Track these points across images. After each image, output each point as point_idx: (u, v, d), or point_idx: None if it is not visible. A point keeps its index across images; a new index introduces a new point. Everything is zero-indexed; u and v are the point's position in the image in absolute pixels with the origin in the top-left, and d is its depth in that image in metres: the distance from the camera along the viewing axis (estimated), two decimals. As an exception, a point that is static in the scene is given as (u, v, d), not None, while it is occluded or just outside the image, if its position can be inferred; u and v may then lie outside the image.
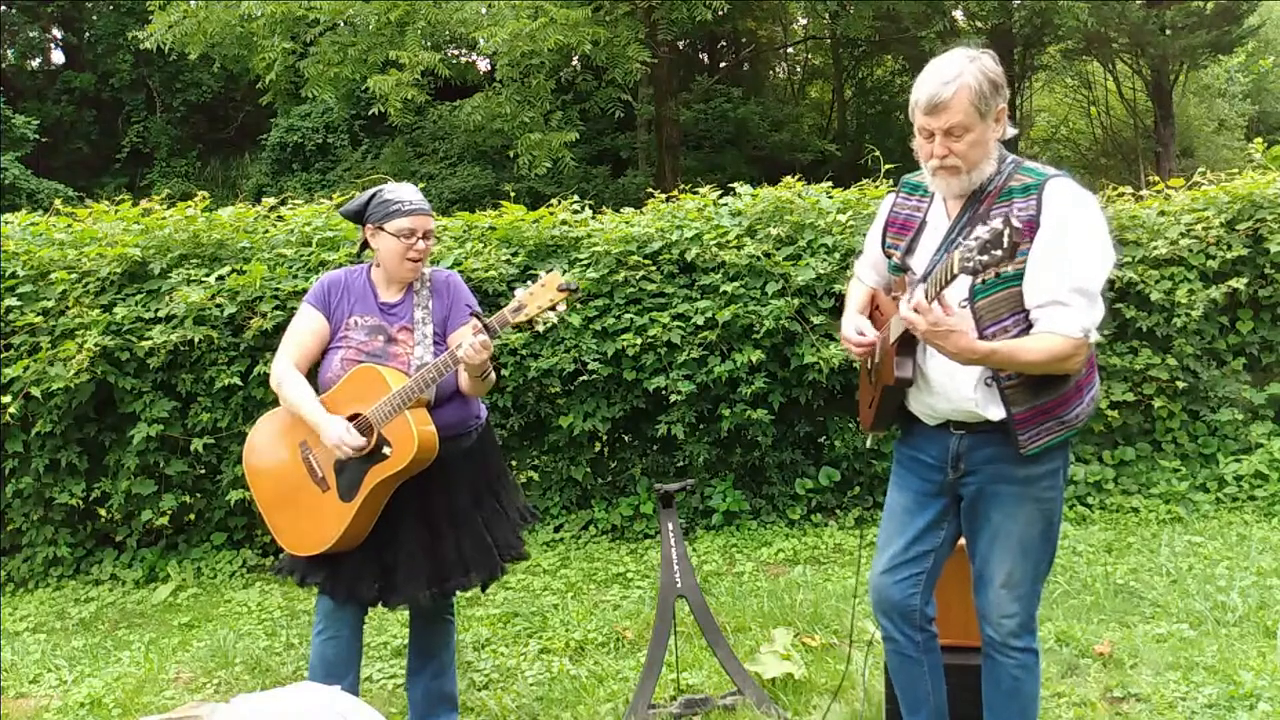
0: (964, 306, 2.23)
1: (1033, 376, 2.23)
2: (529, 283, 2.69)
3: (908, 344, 2.30)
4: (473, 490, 2.93)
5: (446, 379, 2.76)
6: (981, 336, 2.21)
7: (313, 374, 2.90)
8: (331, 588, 2.83)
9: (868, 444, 5.22)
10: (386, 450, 2.70)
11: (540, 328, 2.70)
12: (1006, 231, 1.92)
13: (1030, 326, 2.21)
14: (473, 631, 4.06)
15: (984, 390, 2.28)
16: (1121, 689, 3.23)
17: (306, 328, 2.88)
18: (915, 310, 2.12)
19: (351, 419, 2.73)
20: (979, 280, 2.17)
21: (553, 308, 2.62)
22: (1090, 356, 2.30)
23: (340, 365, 2.81)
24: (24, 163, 17.62)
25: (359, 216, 2.87)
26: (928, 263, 2.33)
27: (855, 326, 2.49)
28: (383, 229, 2.80)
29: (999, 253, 1.93)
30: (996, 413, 2.28)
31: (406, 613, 3.14)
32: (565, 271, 5.18)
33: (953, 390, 2.32)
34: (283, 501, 2.85)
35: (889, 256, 2.47)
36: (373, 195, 2.85)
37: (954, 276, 2.04)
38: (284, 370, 2.83)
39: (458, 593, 3.02)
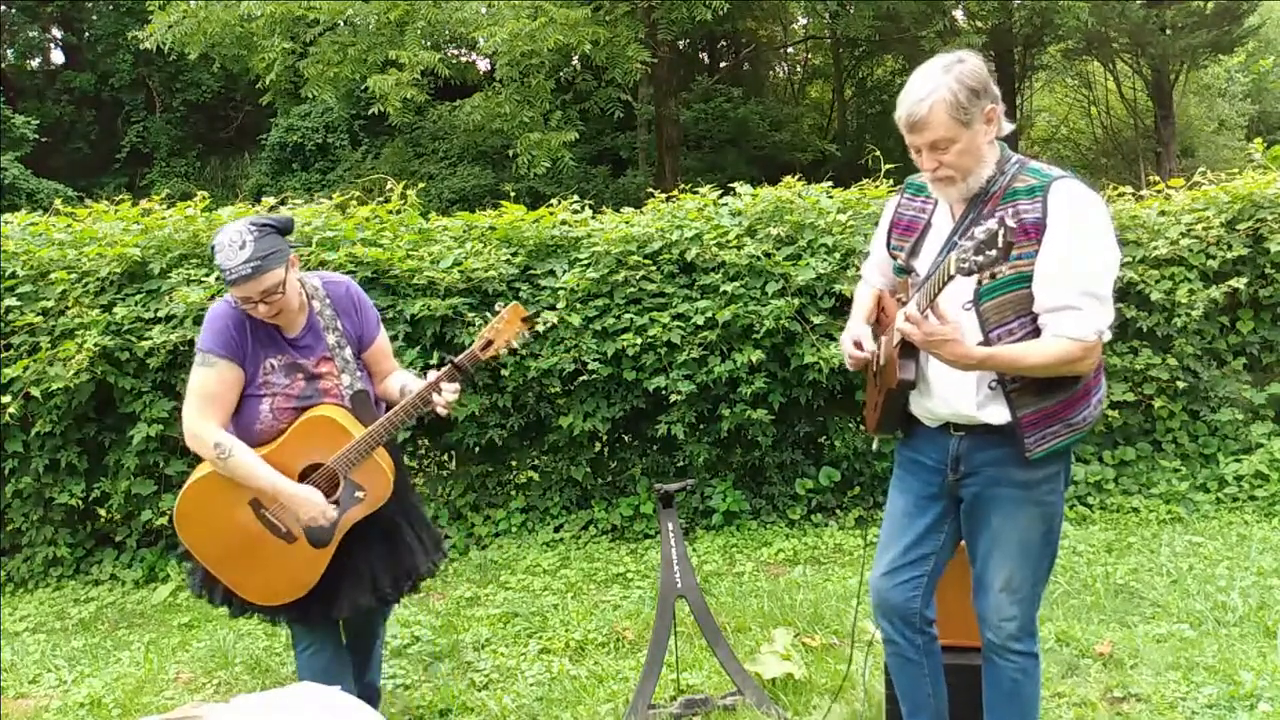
0: (968, 309, 2.23)
1: (1038, 379, 2.22)
2: (490, 316, 2.69)
3: (911, 347, 2.30)
4: (402, 478, 2.89)
5: (369, 389, 2.76)
6: (986, 338, 2.21)
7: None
8: (308, 618, 2.80)
9: (874, 446, 5.22)
10: (359, 494, 2.66)
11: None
12: (1001, 232, 1.91)
13: (1036, 329, 2.20)
14: (473, 631, 4.06)
15: (988, 393, 2.27)
16: (1122, 689, 3.22)
17: (226, 382, 2.63)
18: (908, 320, 2.13)
19: (310, 469, 2.66)
20: (983, 281, 2.16)
21: (517, 337, 2.68)
22: (1098, 360, 2.30)
23: (273, 415, 2.65)
24: (24, 163, 17.62)
25: None
26: (930, 264, 2.33)
27: (854, 338, 2.49)
28: None
29: (994, 253, 1.92)
30: (1000, 416, 2.27)
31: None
32: (565, 272, 5.18)
33: (951, 394, 2.31)
34: (241, 562, 2.71)
35: (894, 258, 2.47)
36: (212, 251, 2.61)
37: (950, 278, 2.04)
38: (225, 439, 2.59)
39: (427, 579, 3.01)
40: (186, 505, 2.69)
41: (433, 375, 2.66)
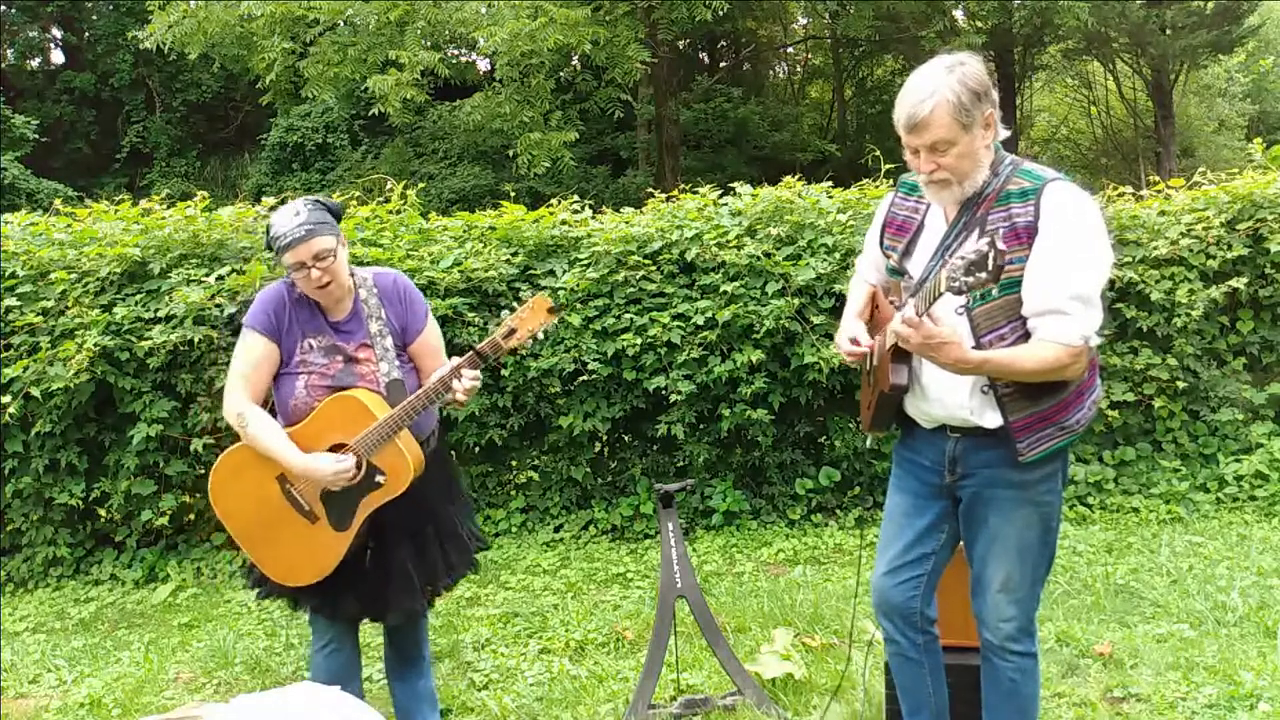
0: (960, 314, 2.22)
1: (1030, 383, 2.21)
2: (515, 304, 2.68)
3: (903, 351, 2.29)
4: (444, 489, 2.91)
5: (408, 381, 2.76)
6: (978, 344, 2.21)
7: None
8: (326, 609, 2.81)
9: (868, 444, 5.22)
10: (380, 479, 2.66)
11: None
12: (991, 254, 1.91)
13: (1026, 334, 2.19)
14: (473, 631, 4.06)
15: (980, 397, 2.27)
16: (1122, 689, 3.22)
17: (259, 357, 2.71)
18: (906, 324, 2.13)
19: (335, 449, 2.66)
20: (977, 296, 2.16)
21: (540, 329, 2.66)
22: (1092, 360, 2.29)
23: (306, 392, 2.70)
24: (24, 163, 17.60)
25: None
26: (924, 267, 2.32)
27: (849, 334, 2.48)
28: (283, 265, 2.69)
29: (984, 275, 1.92)
30: (993, 420, 2.27)
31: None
32: (565, 272, 5.18)
33: (947, 397, 2.31)
34: (265, 536, 2.74)
35: (887, 258, 2.47)
36: (267, 229, 2.70)
37: (940, 294, 2.05)
38: (247, 409, 2.67)
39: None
40: (220, 475, 2.76)
41: (455, 361, 2.68)
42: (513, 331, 2.65)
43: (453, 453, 5.23)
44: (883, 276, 2.54)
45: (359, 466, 2.65)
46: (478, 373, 2.65)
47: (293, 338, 2.72)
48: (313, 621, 2.88)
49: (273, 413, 2.75)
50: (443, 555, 2.87)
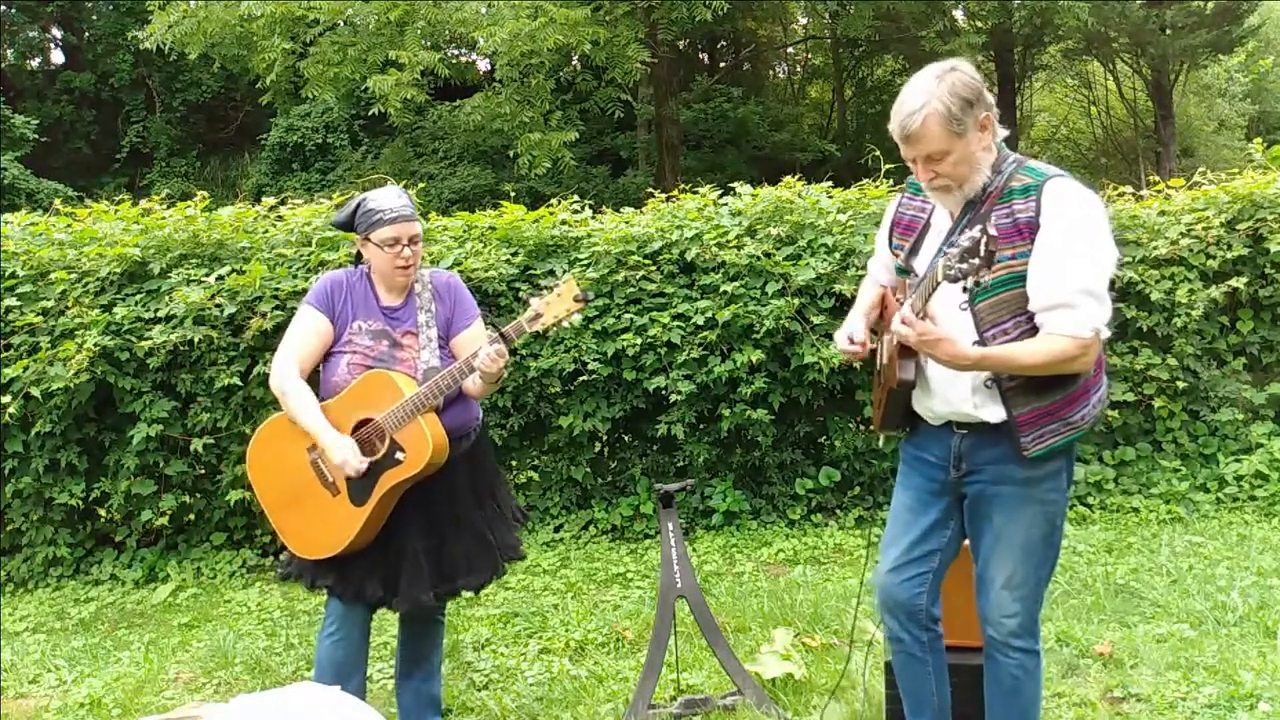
0: (964, 309, 2.23)
1: (1034, 378, 2.22)
2: (544, 291, 2.70)
3: (910, 347, 2.30)
4: (474, 491, 2.95)
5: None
6: (981, 338, 2.22)
7: (313, 375, 2.89)
8: (341, 589, 2.84)
9: (880, 444, 5.21)
10: (400, 456, 2.71)
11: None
12: (983, 240, 1.93)
13: (1032, 328, 2.20)
14: (473, 631, 4.06)
15: (984, 392, 2.28)
16: (1122, 689, 3.22)
17: (310, 330, 2.84)
18: (904, 321, 2.15)
19: (362, 424, 2.74)
20: (971, 285, 2.17)
21: (568, 317, 2.67)
22: (1100, 358, 2.29)
23: (347, 370, 2.80)
24: (23, 163, 17.58)
25: (349, 226, 2.84)
26: (928, 265, 2.33)
27: (847, 332, 2.49)
28: (369, 240, 2.79)
29: (976, 260, 1.95)
30: (996, 414, 2.28)
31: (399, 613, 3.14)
32: (565, 272, 5.19)
33: (950, 392, 2.32)
34: (290, 505, 2.83)
35: (895, 257, 2.49)
36: (359, 205, 2.82)
37: (938, 284, 2.06)
38: (288, 378, 2.79)
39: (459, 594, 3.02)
40: (258, 441, 2.89)
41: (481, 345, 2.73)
42: (538, 316, 2.68)
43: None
44: (892, 276, 2.56)
45: (382, 440, 2.71)
46: (501, 348, 2.67)
47: (345, 317, 2.85)
48: (329, 605, 2.91)
49: (317, 388, 2.84)
50: (465, 556, 2.88)
